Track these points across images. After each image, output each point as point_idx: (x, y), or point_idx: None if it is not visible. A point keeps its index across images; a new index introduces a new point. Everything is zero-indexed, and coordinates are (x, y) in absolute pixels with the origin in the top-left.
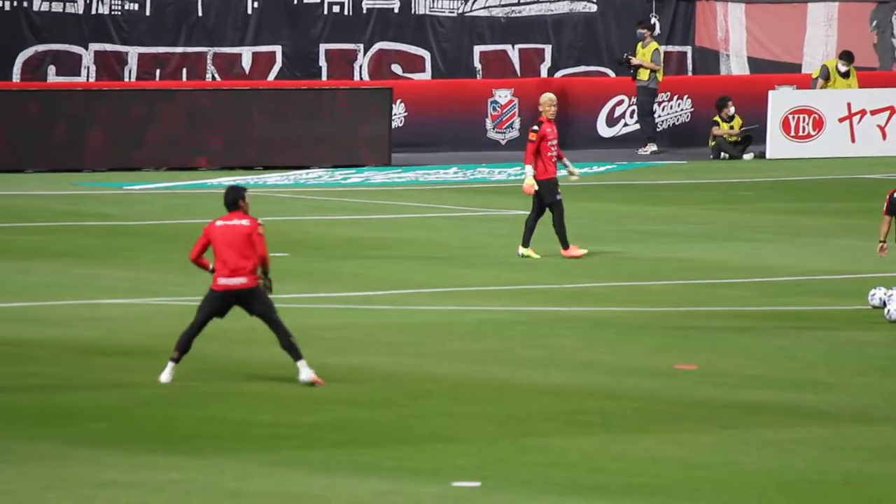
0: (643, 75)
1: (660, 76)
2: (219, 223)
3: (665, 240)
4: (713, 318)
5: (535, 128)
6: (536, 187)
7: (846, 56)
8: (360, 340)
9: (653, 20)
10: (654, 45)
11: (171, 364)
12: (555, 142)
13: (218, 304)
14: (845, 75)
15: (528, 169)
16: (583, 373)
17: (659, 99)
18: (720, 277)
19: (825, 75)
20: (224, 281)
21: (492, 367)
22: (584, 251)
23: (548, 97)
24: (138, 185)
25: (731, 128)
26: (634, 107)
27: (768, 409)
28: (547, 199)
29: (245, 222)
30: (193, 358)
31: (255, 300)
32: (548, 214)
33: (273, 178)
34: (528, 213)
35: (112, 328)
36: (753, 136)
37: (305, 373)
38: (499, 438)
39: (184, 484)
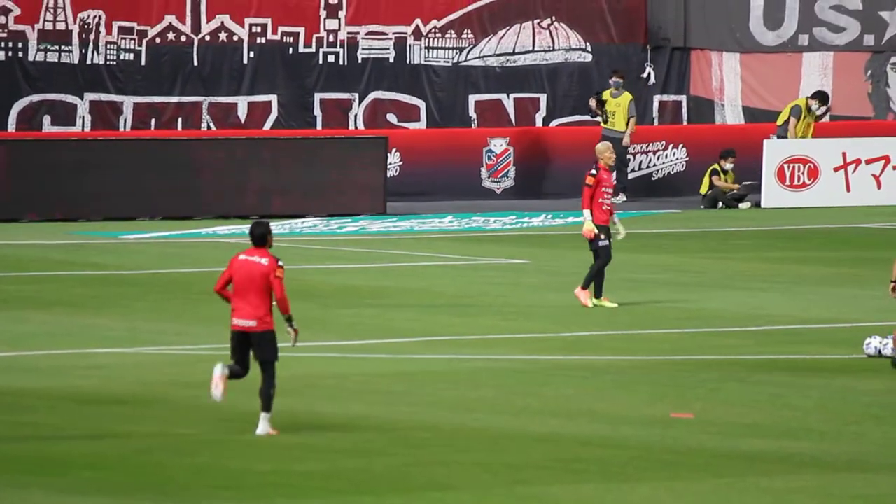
0: (619, 125)
1: (632, 127)
2: (241, 257)
3: (661, 289)
4: (709, 367)
5: (594, 172)
6: (596, 231)
7: (820, 96)
8: (355, 389)
9: (647, 70)
10: (628, 95)
11: (262, 415)
12: (610, 189)
13: (235, 344)
14: (818, 118)
15: (587, 213)
16: (579, 421)
17: (652, 148)
18: (716, 326)
19: (797, 114)
20: (236, 321)
21: (488, 415)
22: (591, 305)
23: (605, 145)
24: (133, 234)
25: (725, 181)
26: (629, 156)
27: (765, 457)
28: (592, 244)
29: (264, 261)
30: (189, 407)
31: (261, 346)
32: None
33: None
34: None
35: (106, 377)
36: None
37: (263, 427)
38: (495, 487)
39: None
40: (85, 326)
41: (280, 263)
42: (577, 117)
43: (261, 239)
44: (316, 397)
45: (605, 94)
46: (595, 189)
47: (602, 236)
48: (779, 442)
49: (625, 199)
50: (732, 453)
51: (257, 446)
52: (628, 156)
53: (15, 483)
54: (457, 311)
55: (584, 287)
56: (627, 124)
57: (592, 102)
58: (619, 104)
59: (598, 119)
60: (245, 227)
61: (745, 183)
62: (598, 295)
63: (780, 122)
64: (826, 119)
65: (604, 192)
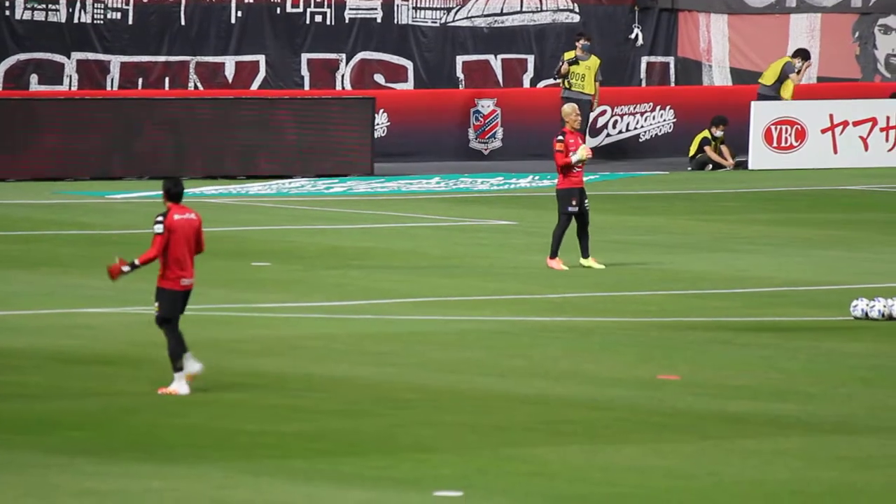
0: (588, 88)
1: (597, 91)
2: (177, 216)
3: (648, 250)
4: (696, 329)
5: (560, 137)
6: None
7: (802, 54)
8: (342, 350)
9: (635, 31)
10: (595, 59)
11: (187, 355)
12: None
13: (179, 305)
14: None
15: (573, 156)
16: (566, 383)
17: (639, 110)
18: (703, 288)
19: (793, 69)
20: (186, 281)
21: (474, 376)
22: (566, 268)
23: (571, 107)
24: (119, 193)
25: (720, 147)
26: (617, 117)
27: (751, 419)
28: (561, 207)
29: (193, 216)
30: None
31: (185, 302)
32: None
33: (256, 187)
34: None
35: (93, 337)
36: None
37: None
38: (481, 448)
39: (165, 493)
40: (72, 286)
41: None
42: None
43: (180, 196)
44: (303, 358)
45: (568, 55)
46: (564, 153)
47: (574, 202)
48: (766, 404)
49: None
50: (719, 415)
51: (245, 406)
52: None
53: (2, 443)
54: (444, 272)
55: (553, 256)
56: (595, 88)
57: (565, 67)
58: (588, 67)
59: (562, 83)
60: (233, 188)
61: (740, 159)
62: (585, 255)
63: (767, 81)
64: (804, 81)
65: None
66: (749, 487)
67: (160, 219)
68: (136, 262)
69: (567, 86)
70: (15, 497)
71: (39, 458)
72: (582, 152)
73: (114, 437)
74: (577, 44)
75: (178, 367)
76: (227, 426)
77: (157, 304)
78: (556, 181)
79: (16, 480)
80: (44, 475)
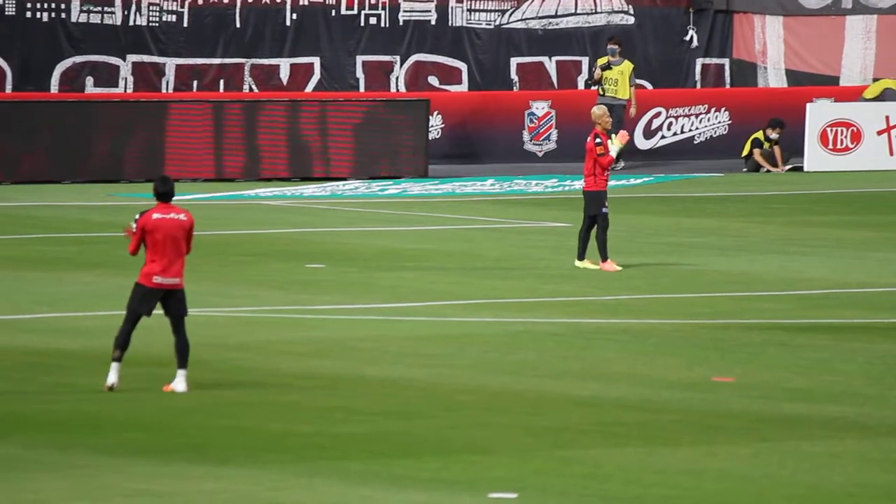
0: (622, 93)
1: (634, 95)
2: (156, 216)
3: (702, 252)
4: (750, 331)
5: (599, 140)
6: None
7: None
8: (396, 352)
9: (690, 32)
10: (628, 63)
11: (114, 364)
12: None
13: (150, 301)
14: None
15: (611, 144)
16: (620, 385)
17: (694, 111)
18: (757, 290)
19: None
20: (160, 279)
21: (528, 378)
22: (620, 268)
23: (601, 109)
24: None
25: (772, 150)
26: (671, 119)
27: (806, 421)
28: (593, 210)
29: (183, 216)
30: (230, 369)
31: (182, 301)
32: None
33: (310, 189)
34: (580, 226)
35: (146, 339)
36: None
37: (182, 383)
38: (535, 450)
39: (217, 494)
40: (126, 288)
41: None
42: None
43: (169, 196)
44: (357, 360)
45: (601, 61)
46: (605, 153)
47: (606, 203)
48: (821, 406)
49: (622, 164)
50: (774, 417)
51: (299, 408)
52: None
53: (55, 443)
54: (498, 275)
55: (604, 259)
56: (630, 92)
57: (598, 73)
58: (621, 72)
59: (597, 89)
60: (288, 190)
61: (788, 168)
62: (581, 257)
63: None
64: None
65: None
66: (804, 490)
67: (136, 217)
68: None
69: (601, 92)
70: (67, 498)
71: (92, 459)
72: (618, 142)
73: (167, 439)
74: (607, 48)
75: (113, 357)
76: (280, 428)
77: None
78: (584, 183)
79: (67, 481)
80: (96, 476)
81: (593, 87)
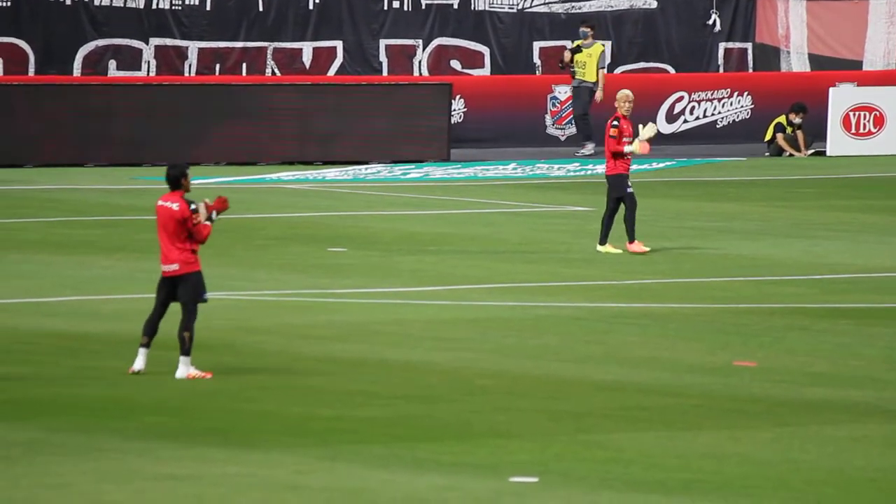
0: (589, 76)
1: (603, 79)
2: (158, 202)
3: (724, 236)
4: (772, 315)
5: (615, 123)
6: (651, 135)
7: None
8: (418, 335)
9: (713, 17)
10: (599, 45)
11: (141, 350)
12: (629, 138)
13: (160, 288)
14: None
15: (628, 148)
16: (642, 369)
17: (717, 96)
18: (780, 274)
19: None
20: (163, 267)
21: (550, 362)
22: (648, 249)
23: (625, 93)
24: (198, 179)
25: (795, 134)
26: (694, 103)
27: (828, 406)
28: (615, 193)
29: (175, 206)
30: (253, 353)
31: (184, 287)
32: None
33: (332, 173)
34: (603, 211)
35: (169, 322)
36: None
37: (182, 370)
38: (557, 434)
39: (241, 478)
40: (149, 271)
41: (192, 207)
42: (641, 64)
43: (174, 182)
44: (379, 343)
45: (574, 45)
46: (618, 139)
47: (629, 184)
48: (843, 390)
49: (593, 147)
50: (795, 402)
51: (321, 392)
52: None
53: (81, 427)
54: (520, 258)
55: (632, 240)
56: (597, 76)
57: (567, 55)
58: (589, 55)
59: (571, 71)
60: (310, 173)
61: (811, 152)
62: (603, 241)
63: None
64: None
65: (624, 141)
66: (826, 474)
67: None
68: None
69: (573, 74)
70: (92, 482)
71: (117, 442)
72: (637, 146)
73: (191, 423)
74: (579, 31)
75: (141, 343)
76: (302, 412)
77: None
78: (631, 167)
79: (93, 464)
80: (121, 459)
81: (567, 70)
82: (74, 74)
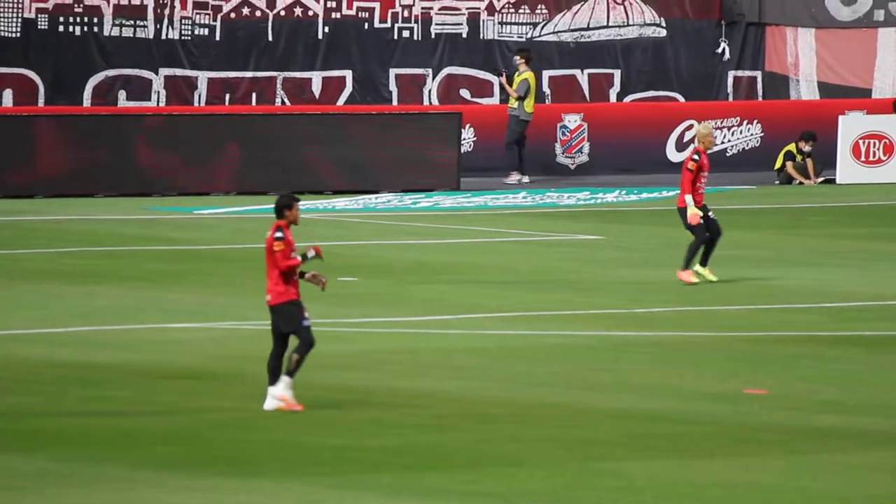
0: (512, 103)
1: (528, 107)
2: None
3: (735, 265)
4: (783, 343)
5: (696, 157)
6: (701, 215)
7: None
8: (428, 364)
9: (722, 45)
10: (526, 74)
11: (269, 389)
12: (706, 173)
13: (272, 319)
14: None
15: (689, 199)
16: (652, 397)
17: (726, 124)
18: (790, 302)
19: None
20: (266, 297)
21: (561, 390)
22: (695, 281)
23: (708, 128)
24: (207, 209)
25: (805, 162)
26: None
27: (839, 433)
28: (689, 224)
29: (268, 234)
30: (263, 382)
31: (276, 317)
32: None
33: (342, 202)
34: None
35: (180, 352)
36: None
37: (279, 388)
38: (567, 462)
39: None
40: (159, 301)
41: (277, 236)
42: (651, 93)
43: (277, 212)
44: (390, 372)
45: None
46: (696, 174)
47: (710, 213)
48: (853, 418)
49: (523, 178)
50: (806, 430)
51: (331, 421)
52: (523, 135)
53: (89, 457)
54: (531, 287)
55: (685, 268)
56: (517, 103)
57: (503, 79)
58: (515, 84)
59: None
60: (320, 203)
61: (821, 180)
62: (703, 263)
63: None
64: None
65: (702, 175)
66: (837, 502)
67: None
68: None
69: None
70: None
71: (126, 472)
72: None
73: (200, 452)
74: (513, 60)
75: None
76: (313, 441)
77: None
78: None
79: (103, 495)
80: (130, 489)
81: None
82: (84, 105)
